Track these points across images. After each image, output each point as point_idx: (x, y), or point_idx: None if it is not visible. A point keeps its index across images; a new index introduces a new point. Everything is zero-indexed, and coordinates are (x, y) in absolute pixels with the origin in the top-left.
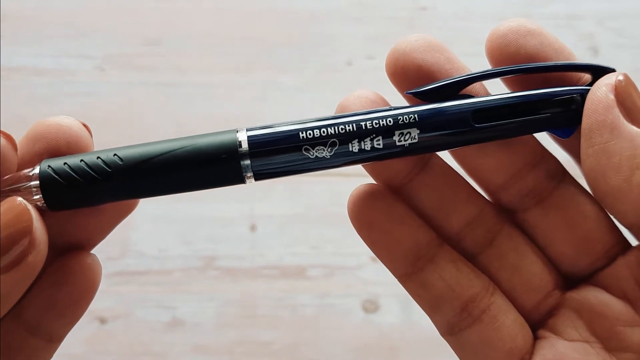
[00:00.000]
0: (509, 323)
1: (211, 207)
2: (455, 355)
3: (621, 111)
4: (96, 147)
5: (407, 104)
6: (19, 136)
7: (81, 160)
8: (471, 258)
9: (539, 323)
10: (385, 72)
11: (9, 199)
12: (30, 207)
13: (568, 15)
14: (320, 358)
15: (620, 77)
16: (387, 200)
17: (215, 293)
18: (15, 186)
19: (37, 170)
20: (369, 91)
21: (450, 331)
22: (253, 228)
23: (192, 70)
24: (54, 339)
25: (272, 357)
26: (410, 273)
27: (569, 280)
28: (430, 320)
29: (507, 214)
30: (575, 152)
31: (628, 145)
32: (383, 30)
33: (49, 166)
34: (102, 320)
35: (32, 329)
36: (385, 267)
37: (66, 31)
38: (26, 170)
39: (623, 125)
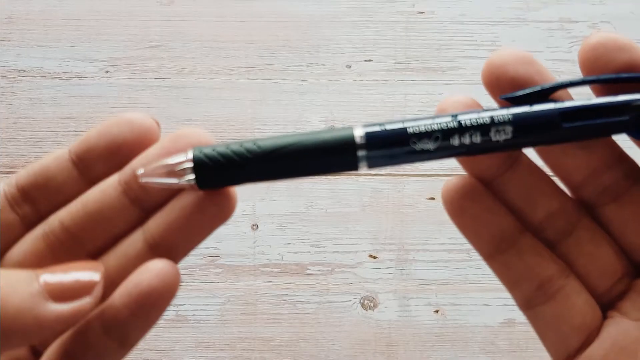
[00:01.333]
0: (580, 303)
1: None
2: (449, 354)
3: None
4: None
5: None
6: (27, 137)
7: (227, 147)
8: (551, 246)
9: (608, 305)
10: (481, 81)
11: (93, 265)
12: (100, 276)
13: (561, 19)
14: (320, 354)
15: None
16: (477, 190)
17: (218, 290)
18: (170, 168)
19: (190, 155)
20: (464, 96)
21: (527, 305)
22: (254, 227)
23: (195, 73)
24: (125, 344)
25: (273, 353)
26: (494, 253)
27: (639, 269)
28: (426, 317)
29: (586, 208)
30: None
31: None
32: (381, 34)
33: (200, 151)
34: None
35: (108, 329)
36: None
37: (72, 35)
38: (180, 154)
39: None
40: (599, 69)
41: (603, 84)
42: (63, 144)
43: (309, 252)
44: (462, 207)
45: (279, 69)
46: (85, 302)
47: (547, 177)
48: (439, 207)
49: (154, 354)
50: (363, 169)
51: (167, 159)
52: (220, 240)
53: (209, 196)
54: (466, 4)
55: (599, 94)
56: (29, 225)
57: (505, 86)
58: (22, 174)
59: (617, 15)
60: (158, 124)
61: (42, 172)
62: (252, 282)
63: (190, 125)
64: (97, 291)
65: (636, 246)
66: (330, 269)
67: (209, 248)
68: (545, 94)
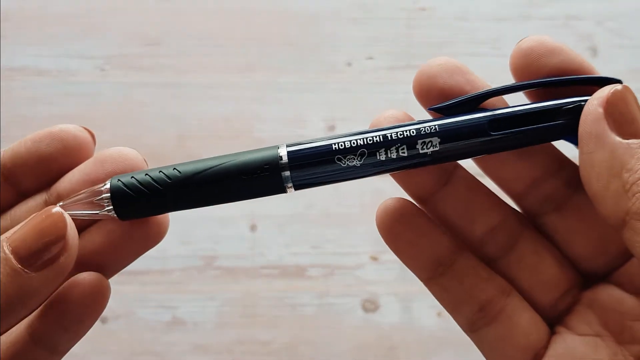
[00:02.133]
0: (523, 322)
1: (211, 207)
2: (449, 355)
3: (609, 123)
4: (97, 148)
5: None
6: (21, 136)
7: (146, 174)
8: (493, 261)
9: (556, 320)
10: (413, 93)
11: (48, 207)
12: (66, 215)
13: (567, 15)
14: (320, 357)
15: (613, 90)
16: (413, 212)
17: (216, 292)
18: (89, 199)
19: (108, 184)
20: (398, 111)
21: (471, 328)
22: (253, 228)
23: (191, 71)
24: (56, 352)
25: (271, 357)
26: (432, 277)
27: (586, 280)
28: (428, 320)
29: (530, 218)
30: None
31: (607, 156)
32: (382, 30)
33: (118, 180)
34: (103, 320)
35: (38, 339)
36: (382, 269)
37: (67, 32)
38: (99, 185)
39: (607, 137)
40: (531, 75)
41: (537, 89)
42: None
43: (309, 253)
44: (395, 232)
45: (278, 67)
46: (63, 259)
47: (487, 189)
48: None
49: (151, 357)
50: (290, 191)
51: (86, 190)
52: (218, 241)
53: (135, 223)
54: (469, 0)
55: (533, 99)
56: None
57: (436, 97)
58: None
59: (623, 12)
60: (92, 134)
61: None
62: (250, 284)
63: (188, 124)
64: (71, 241)
65: (581, 255)
66: (330, 270)
67: (206, 249)
68: (475, 103)
